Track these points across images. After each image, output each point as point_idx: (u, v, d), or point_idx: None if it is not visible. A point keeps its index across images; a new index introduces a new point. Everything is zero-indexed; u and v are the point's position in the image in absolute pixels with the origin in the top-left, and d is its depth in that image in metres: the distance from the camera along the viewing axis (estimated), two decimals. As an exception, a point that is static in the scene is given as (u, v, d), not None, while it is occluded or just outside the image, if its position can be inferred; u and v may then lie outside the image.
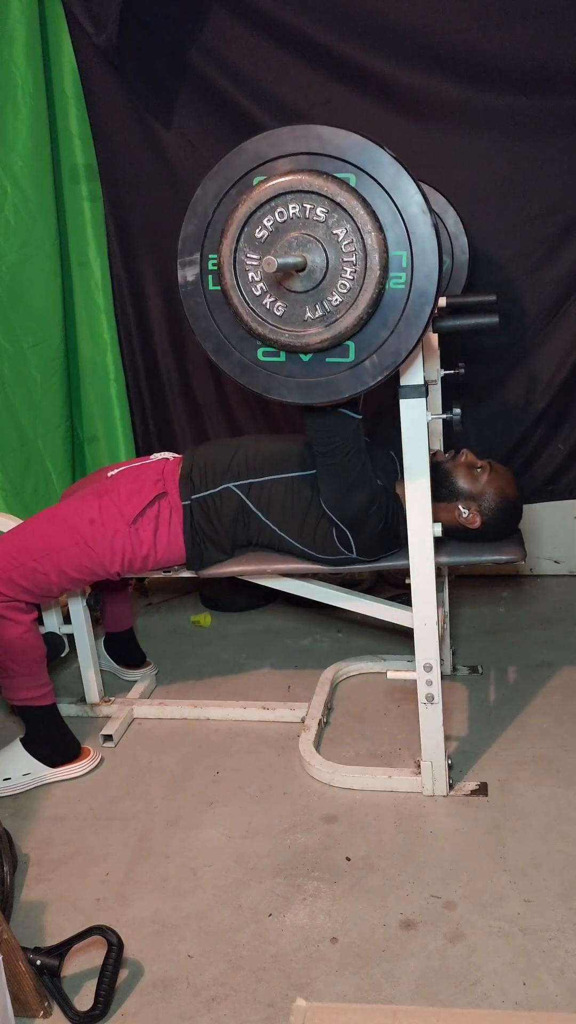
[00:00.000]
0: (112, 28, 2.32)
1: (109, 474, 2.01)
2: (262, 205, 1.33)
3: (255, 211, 1.34)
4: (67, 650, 2.12)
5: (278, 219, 1.34)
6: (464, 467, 1.89)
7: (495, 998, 1.32)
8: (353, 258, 1.32)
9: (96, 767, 2.00)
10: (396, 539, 1.82)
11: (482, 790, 1.81)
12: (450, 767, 1.81)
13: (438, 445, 2.18)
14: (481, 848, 1.65)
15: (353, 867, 1.63)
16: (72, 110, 2.50)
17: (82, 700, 2.24)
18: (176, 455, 2.07)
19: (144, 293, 2.70)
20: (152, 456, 2.10)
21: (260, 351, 1.44)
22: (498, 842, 1.66)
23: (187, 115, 2.51)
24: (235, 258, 1.37)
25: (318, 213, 1.32)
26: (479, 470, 1.89)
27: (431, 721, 1.75)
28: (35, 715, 1.96)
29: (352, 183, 1.31)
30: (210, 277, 1.42)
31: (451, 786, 1.81)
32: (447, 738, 1.78)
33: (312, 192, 1.31)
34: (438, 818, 1.74)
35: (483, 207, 2.41)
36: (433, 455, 1.87)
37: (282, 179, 1.32)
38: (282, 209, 1.33)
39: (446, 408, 1.94)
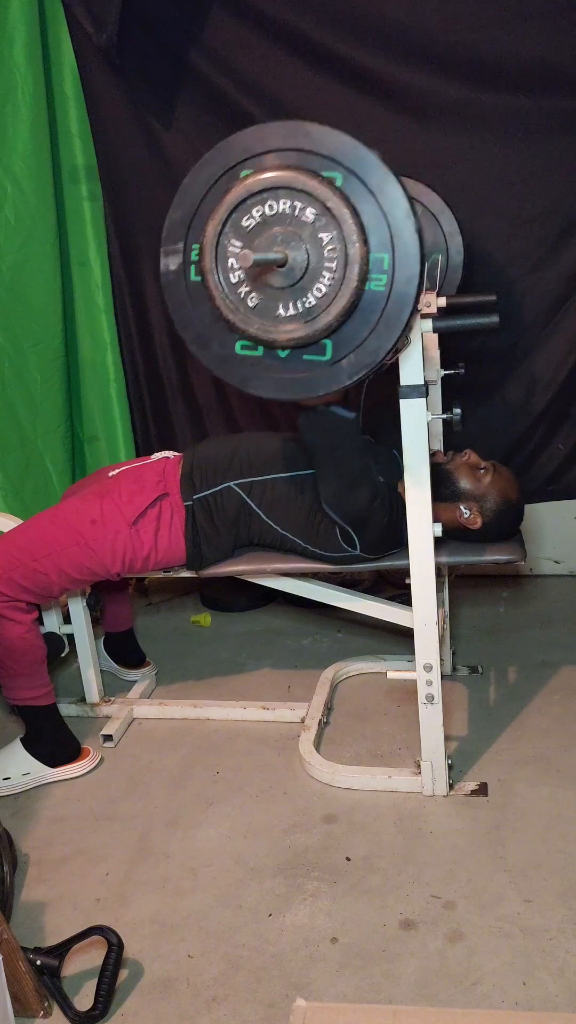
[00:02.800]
0: (112, 28, 2.31)
1: (110, 474, 2.01)
2: (254, 195, 1.32)
3: (246, 199, 1.33)
4: (67, 650, 2.12)
5: (267, 211, 1.33)
6: (467, 467, 1.89)
7: (495, 998, 1.32)
8: (334, 264, 1.33)
9: (96, 767, 2.01)
10: (401, 535, 1.82)
11: (482, 790, 1.81)
12: (450, 767, 1.81)
13: (438, 445, 2.18)
14: (481, 848, 1.65)
15: (353, 867, 1.63)
16: (72, 110, 2.50)
17: (82, 700, 2.24)
18: (177, 453, 2.08)
19: (144, 293, 2.70)
20: (153, 455, 2.10)
21: (238, 344, 1.43)
22: (498, 842, 1.66)
23: (187, 115, 2.51)
24: (218, 242, 1.36)
25: (307, 214, 1.32)
26: (482, 471, 1.89)
27: (431, 721, 1.75)
28: (35, 715, 1.96)
29: (338, 183, 1.31)
30: (192, 268, 1.41)
31: (451, 786, 1.81)
32: (447, 738, 1.78)
33: (305, 192, 1.31)
34: (438, 818, 1.74)
35: (483, 207, 2.41)
36: (435, 455, 1.87)
37: (276, 173, 1.31)
38: (272, 202, 1.32)
39: (446, 408, 1.94)
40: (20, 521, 2.05)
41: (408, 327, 1.37)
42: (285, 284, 1.35)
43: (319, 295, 1.34)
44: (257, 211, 1.33)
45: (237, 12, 2.37)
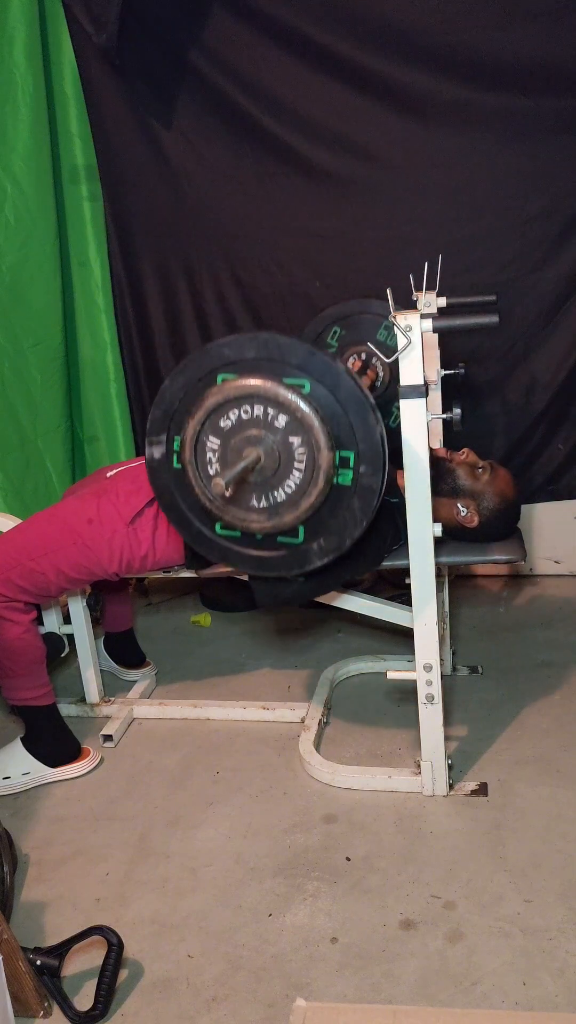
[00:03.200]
0: (112, 28, 2.32)
1: (108, 474, 2.01)
2: (230, 401, 1.43)
3: (223, 404, 1.44)
4: (67, 650, 2.12)
5: (243, 415, 1.44)
6: (466, 465, 1.90)
7: (495, 998, 1.32)
8: (302, 466, 1.43)
9: (96, 767, 2.00)
10: (395, 536, 1.82)
11: (482, 790, 1.81)
12: (450, 767, 1.81)
13: (438, 445, 2.18)
14: (481, 848, 1.65)
15: (353, 867, 1.63)
16: (72, 110, 2.50)
17: (82, 700, 2.24)
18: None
19: (144, 293, 2.70)
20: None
21: (217, 526, 1.55)
22: (498, 842, 1.66)
23: (187, 115, 2.51)
24: (197, 439, 1.47)
25: (279, 420, 1.42)
26: (480, 470, 1.89)
27: (431, 721, 1.75)
28: (35, 715, 1.96)
29: (306, 389, 1.41)
30: (175, 456, 1.53)
31: (451, 786, 1.81)
32: (447, 738, 1.78)
33: (276, 402, 1.40)
34: (438, 818, 1.74)
35: (483, 207, 2.42)
36: (435, 450, 1.88)
37: (251, 382, 1.41)
38: (248, 407, 1.43)
39: (446, 408, 1.95)
40: (20, 521, 2.05)
41: (373, 515, 1.46)
42: (258, 479, 1.46)
43: (289, 491, 1.45)
44: (233, 414, 1.45)
45: (237, 12, 2.37)
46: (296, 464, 1.44)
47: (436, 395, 2.11)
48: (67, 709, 2.19)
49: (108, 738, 2.09)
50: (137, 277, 2.68)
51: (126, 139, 2.54)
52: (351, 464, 1.43)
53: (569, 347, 2.49)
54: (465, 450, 1.93)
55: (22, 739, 1.97)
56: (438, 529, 1.67)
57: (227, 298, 2.68)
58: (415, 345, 1.54)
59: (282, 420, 1.42)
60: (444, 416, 1.84)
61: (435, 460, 1.66)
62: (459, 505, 1.87)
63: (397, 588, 2.63)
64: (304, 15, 2.33)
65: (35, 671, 1.93)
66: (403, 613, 1.84)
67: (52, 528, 1.88)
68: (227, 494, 1.41)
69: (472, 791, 1.80)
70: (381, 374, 2.23)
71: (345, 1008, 1.31)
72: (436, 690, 1.73)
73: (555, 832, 1.67)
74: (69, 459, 2.65)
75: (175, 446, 1.52)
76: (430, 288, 1.99)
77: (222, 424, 1.46)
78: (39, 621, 2.04)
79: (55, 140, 2.48)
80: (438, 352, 2.09)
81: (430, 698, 1.74)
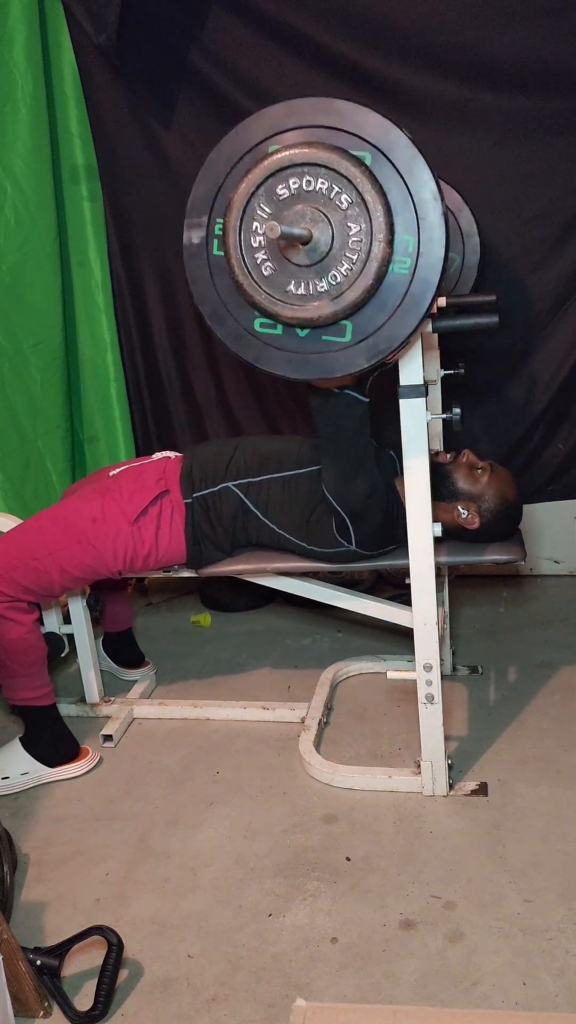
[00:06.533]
0: (112, 28, 2.32)
1: (111, 473, 2.02)
2: (296, 166, 1.31)
3: (287, 167, 1.31)
4: (67, 650, 2.12)
5: (304, 186, 1.31)
6: (465, 467, 1.90)
7: (495, 998, 1.32)
8: (355, 256, 1.32)
9: (95, 767, 2.00)
10: (395, 534, 1.82)
11: (482, 790, 1.81)
12: (450, 767, 1.81)
13: (438, 445, 2.18)
14: (481, 848, 1.65)
15: (353, 867, 1.63)
16: (72, 110, 2.50)
17: (82, 700, 2.24)
18: (178, 454, 2.08)
19: (144, 293, 2.70)
20: (153, 455, 2.10)
21: (257, 322, 1.42)
22: (498, 842, 1.66)
23: (187, 115, 2.51)
24: (248, 203, 1.34)
25: (342, 200, 1.31)
26: (480, 471, 1.89)
27: (431, 721, 1.75)
28: (35, 715, 1.96)
29: (367, 162, 1.30)
30: (215, 242, 1.41)
31: (451, 786, 1.81)
32: (447, 738, 1.78)
33: (346, 178, 1.29)
34: (438, 818, 1.74)
35: (483, 207, 2.41)
36: (434, 455, 1.88)
37: (320, 151, 1.28)
38: (311, 178, 1.31)
39: (446, 408, 1.94)
40: (21, 521, 2.05)
41: (428, 313, 1.35)
42: (304, 262, 1.34)
43: (334, 281, 1.33)
44: (294, 183, 1.32)
45: (237, 12, 2.37)
46: (348, 253, 1.32)
47: (436, 395, 2.11)
48: (67, 709, 2.19)
49: (108, 738, 2.09)
50: (137, 277, 2.68)
51: (126, 139, 2.54)
52: (410, 250, 1.32)
53: (569, 347, 2.49)
54: (465, 451, 1.93)
55: (21, 739, 1.97)
56: (438, 529, 1.67)
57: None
58: (415, 345, 1.53)
59: (344, 200, 1.30)
60: (444, 416, 1.84)
61: (434, 465, 1.65)
62: (459, 508, 1.87)
63: (397, 588, 2.63)
64: (304, 15, 2.33)
65: (36, 671, 1.93)
66: (403, 613, 1.84)
67: (56, 527, 1.89)
68: (278, 239, 1.28)
69: (472, 791, 1.80)
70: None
71: (345, 1008, 1.31)
72: (436, 690, 1.73)
73: (555, 832, 1.67)
74: (69, 459, 2.65)
75: (216, 229, 1.39)
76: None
77: (279, 191, 1.32)
78: (40, 621, 2.04)
79: (55, 140, 2.48)
80: (438, 352, 2.09)
81: (430, 698, 1.74)
